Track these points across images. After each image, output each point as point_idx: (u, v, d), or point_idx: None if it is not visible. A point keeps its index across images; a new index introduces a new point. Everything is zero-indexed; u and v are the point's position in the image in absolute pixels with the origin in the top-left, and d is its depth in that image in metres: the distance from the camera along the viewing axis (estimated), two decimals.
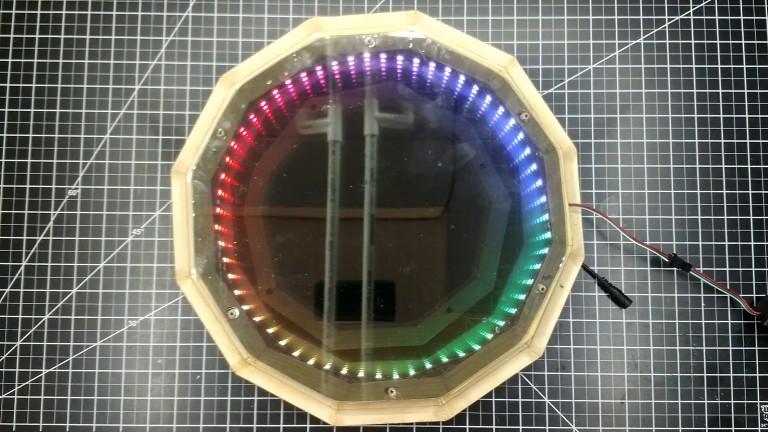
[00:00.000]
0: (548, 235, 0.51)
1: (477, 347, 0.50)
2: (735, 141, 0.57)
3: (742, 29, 0.57)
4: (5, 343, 0.54)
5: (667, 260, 0.53)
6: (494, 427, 0.53)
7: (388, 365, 0.52)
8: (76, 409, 0.54)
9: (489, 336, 0.51)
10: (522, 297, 0.50)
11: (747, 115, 0.57)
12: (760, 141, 0.56)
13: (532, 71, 0.57)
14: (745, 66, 0.57)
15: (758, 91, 0.57)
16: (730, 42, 0.57)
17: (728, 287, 0.54)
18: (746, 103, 0.57)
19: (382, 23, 0.51)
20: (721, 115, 0.57)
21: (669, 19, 0.58)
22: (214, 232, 0.50)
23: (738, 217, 0.56)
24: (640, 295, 0.55)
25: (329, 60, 0.51)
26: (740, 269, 0.55)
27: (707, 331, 0.55)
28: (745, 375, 0.54)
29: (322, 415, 0.48)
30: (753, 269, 0.55)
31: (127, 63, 0.57)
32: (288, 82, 0.52)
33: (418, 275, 0.55)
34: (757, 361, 0.54)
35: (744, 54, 0.57)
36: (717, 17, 0.58)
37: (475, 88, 0.52)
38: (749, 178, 0.56)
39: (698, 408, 0.54)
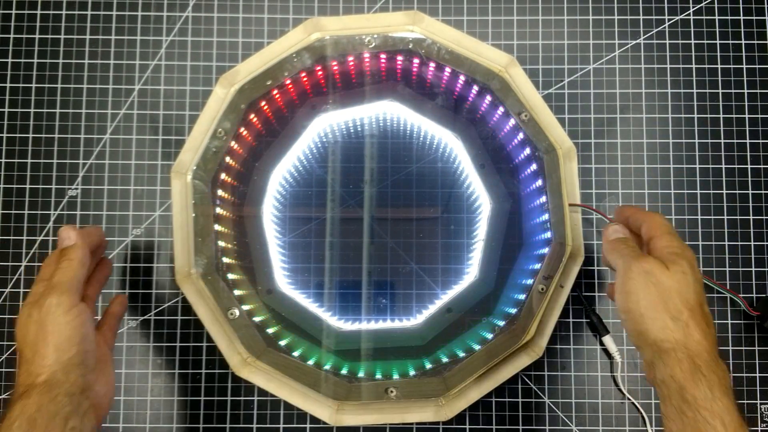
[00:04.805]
0: (548, 235, 0.51)
1: (477, 347, 0.50)
2: (735, 141, 0.57)
3: (742, 29, 0.57)
4: (5, 343, 0.54)
5: None
6: (494, 427, 0.53)
7: (388, 365, 0.52)
8: None
9: (489, 336, 0.51)
10: (522, 297, 0.50)
11: (747, 115, 0.57)
12: (760, 141, 0.56)
13: (532, 71, 0.57)
14: (745, 66, 0.57)
15: (758, 91, 0.57)
16: (730, 42, 0.57)
17: (728, 287, 0.54)
18: (746, 103, 0.57)
19: (382, 23, 0.51)
20: (721, 115, 0.57)
21: (669, 19, 0.58)
22: (214, 232, 0.50)
23: (738, 217, 0.56)
24: None
25: (329, 60, 0.51)
26: (740, 269, 0.55)
27: None
28: (745, 375, 0.54)
29: (322, 415, 0.48)
30: (753, 269, 0.55)
31: (127, 63, 0.57)
32: (288, 82, 0.52)
33: (418, 275, 0.55)
34: (757, 361, 0.54)
35: (744, 54, 0.57)
36: (717, 17, 0.58)
37: (475, 88, 0.52)
38: (749, 178, 0.56)
39: None
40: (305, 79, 0.53)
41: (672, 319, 0.37)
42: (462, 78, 0.52)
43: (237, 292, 0.50)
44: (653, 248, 0.41)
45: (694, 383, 0.35)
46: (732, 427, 0.34)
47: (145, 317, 0.54)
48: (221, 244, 0.51)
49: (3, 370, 0.54)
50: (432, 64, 0.52)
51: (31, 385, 0.37)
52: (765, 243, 0.56)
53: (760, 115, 0.57)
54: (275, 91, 0.52)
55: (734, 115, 0.57)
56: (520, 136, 0.52)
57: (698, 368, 0.35)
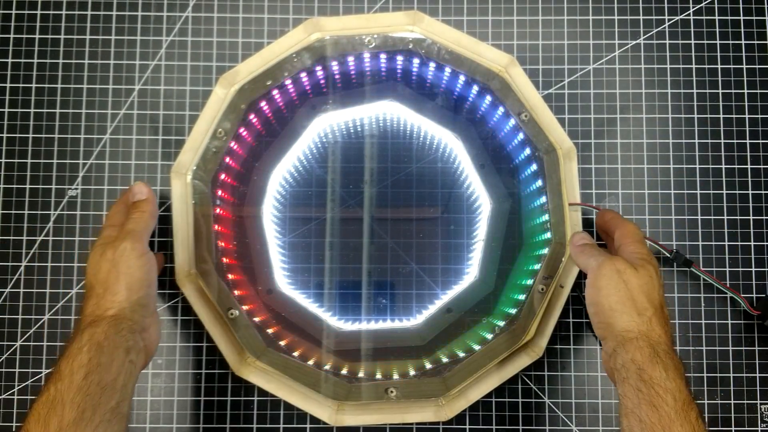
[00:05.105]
0: (548, 235, 0.51)
1: (477, 347, 0.50)
2: (735, 141, 0.57)
3: (742, 29, 0.57)
4: (5, 343, 0.54)
5: (669, 255, 0.53)
6: (494, 427, 0.53)
7: (388, 365, 0.52)
8: None
9: (489, 336, 0.51)
10: (522, 297, 0.51)
11: (747, 115, 0.57)
12: (760, 141, 0.56)
13: (532, 71, 0.57)
14: (745, 66, 0.57)
15: (758, 91, 0.57)
16: (730, 42, 0.57)
17: (728, 287, 0.54)
18: (746, 103, 0.57)
19: (382, 23, 0.51)
20: (721, 115, 0.57)
21: (669, 19, 0.58)
22: (214, 232, 0.50)
23: (738, 217, 0.56)
24: None
25: (329, 60, 0.51)
26: (740, 269, 0.55)
27: (707, 331, 0.55)
28: (745, 375, 0.54)
29: (322, 415, 0.48)
30: (753, 269, 0.55)
31: (127, 63, 0.57)
32: (288, 82, 0.52)
33: (418, 275, 0.55)
34: (757, 361, 0.54)
35: (744, 54, 0.57)
36: (717, 17, 0.58)
37: (475, 89, 0.52)
38: (749, 178, 0.56)
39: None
40: (305, 79, 0.53)
41: (638, 314, 0.41)
42: (462, 78, 0.52)
43: (237, 292, 0.50)
44: (623, 252, 0.45)
45: (652, 365, 0.39)
46: (681, 401, 0.38)
47: None
48: (221, 244, 0.51)
49: (3, 370, 0.54)
50: (432, 64, 0.52)
51: (101, 316, 0.41)
52: (765, 243, 0.55)
53: (760, 115, 0.57)
54: (275, 91, 0.52)
55: (734, 115, 0.57)
56: (520, 136, 0.52)
57: (657, 354, 0.39)
